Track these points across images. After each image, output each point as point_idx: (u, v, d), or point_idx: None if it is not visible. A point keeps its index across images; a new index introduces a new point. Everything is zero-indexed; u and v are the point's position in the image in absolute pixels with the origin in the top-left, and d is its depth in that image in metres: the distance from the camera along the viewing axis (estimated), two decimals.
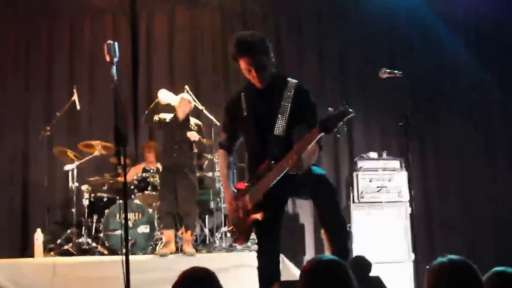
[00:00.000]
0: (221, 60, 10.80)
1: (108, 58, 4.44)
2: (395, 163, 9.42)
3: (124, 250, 4.30)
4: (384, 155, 9.53)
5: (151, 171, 9.26)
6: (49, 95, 10.26)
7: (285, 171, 4.54)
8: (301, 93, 4.85)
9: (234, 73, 10.53)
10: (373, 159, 9.45)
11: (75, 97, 9.29)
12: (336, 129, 4.28)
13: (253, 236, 5.06)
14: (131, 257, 7.82)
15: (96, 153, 9.17)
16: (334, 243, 4.69)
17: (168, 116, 8.61)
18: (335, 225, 4.70)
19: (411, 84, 10.09)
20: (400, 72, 5.81)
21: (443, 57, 11.15)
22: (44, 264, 7.98)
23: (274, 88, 4.84)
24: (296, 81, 4.93)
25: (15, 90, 10.34)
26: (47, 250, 8.78)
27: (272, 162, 4.69)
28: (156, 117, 8.51)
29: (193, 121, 8.67)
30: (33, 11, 10.54)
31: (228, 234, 9.06)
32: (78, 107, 9.33)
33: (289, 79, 4.94)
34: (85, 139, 9.51)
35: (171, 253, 8.36)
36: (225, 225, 9.24)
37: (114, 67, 4.45)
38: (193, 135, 8.43)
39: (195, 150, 8.82)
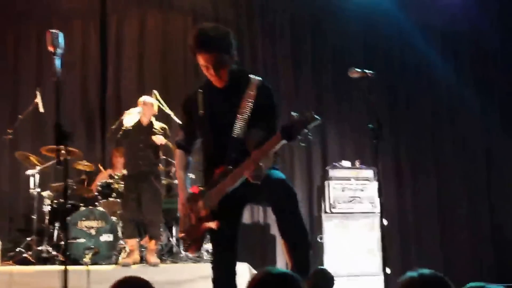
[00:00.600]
0: (192, 65, 10.39)
1: (51, 49, 4.06)
2: (369, 173, 9.11)
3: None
4: (357, 164, 9.21)
5: (116, 177, 8.86)
6: (15, 99, 9.85)
7: (241, 180, 4.21)
8: (264, 92, 4.46)
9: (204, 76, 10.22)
10: (345, 167, 9.11)
11: (38, 99, 8.89)
12: (299, 137, 3.90)
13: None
14: (93, 267, 7.66)
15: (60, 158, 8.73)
16: (293, 256, 4.27)
17: (131, 122, 8.18)
18: (295, 235, 4.27)
19: (388, 90, 9.84)
20: (370, 72, 5.46)
21: (420, 63, 10.92)
22: (0, 273, 7.55)
23: (235, 86, 4.46)
24: (259, 78, 4.54)
25: None
26: (6, 258, 8.37)
27: (230, 167, 4.33)
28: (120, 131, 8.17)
29: (158, 125, 8.31)
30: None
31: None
32: (41, 110, 8.95)
33: (251, 76, 4.54)
34: (49, 144, 9.07)
35: (134, 263, 7.96)
36: None
37: (58, 59, 4.07)
38: (158, 139, 8.07)
39: (162, 156, 8.50)
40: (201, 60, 4.34)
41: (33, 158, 8.78)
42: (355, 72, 5.51)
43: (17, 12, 10.23)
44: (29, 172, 8.75)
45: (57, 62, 4.06)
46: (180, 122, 4.93)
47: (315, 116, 3.87)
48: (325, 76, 10.57)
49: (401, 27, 10.79)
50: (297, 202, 4.31)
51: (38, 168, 8.71)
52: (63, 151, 4.07)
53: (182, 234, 4.66)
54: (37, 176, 8.74)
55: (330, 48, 10.66)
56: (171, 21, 10.64)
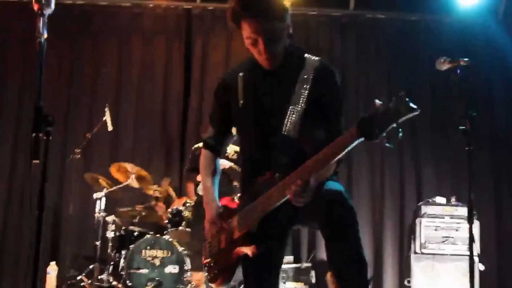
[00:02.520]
0: None
1: (35, 7, 3.27)
2: (465, 210, 8.00)
3: None
4: (453, 200, 8.12)
5: (188, 204, 8.04)
6: (91, 118, 9.21)
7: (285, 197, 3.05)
8: (325, 77, 3.38)
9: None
10: (439, 204, 8.01)
11: (107, 117, 8.26)
12: (384, 134, 2.67)
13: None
14: None
15: (129, 181, 8.06)
16: None
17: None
18: (348, 266, 3.08)
19: None
20: (464, 59, 4.34)
21: None
22: None
23: (288, 68, 3.37)
24: (318, 58, 3.44)
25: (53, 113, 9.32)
26: (65, 286, 7.74)
27: (277, 175, 3.19)
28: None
29: (232, 148, 7.52)
30: (78, 32, 9.65)
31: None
32: (110, 128, 8.33)
33: (307, 55, 3.44)
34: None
35: None
36: None
37: (42, 20, 3.28)
38: (222, 163, 7.31)
39: (235, 183, 7.71)
40: (248, 31, 3.25)
41: (102, 181, 8.10)
42: (445, 63, 4.41)
43: (97, 30, 9.66)
44: (96, 195, 8.06)
45: (41, 23, 3.27)
46: (210, 115, 3.75)
47: (411, 105, 2.61)
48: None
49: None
50: (355, 222, 3.15)
51: (105, 190, 8.04)
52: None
53: (207, 261, 3.59)
54: (104, 200, 8.07)
55: (424, 69, 9.52)
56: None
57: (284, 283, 7.95)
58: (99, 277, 7.65)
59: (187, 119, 9.42)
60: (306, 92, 3.30)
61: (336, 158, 2.94)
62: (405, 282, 7.97)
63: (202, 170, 3.76)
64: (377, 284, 8.88)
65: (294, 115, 3.27)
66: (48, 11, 3.37)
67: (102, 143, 9.13)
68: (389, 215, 9.14)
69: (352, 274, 3.10)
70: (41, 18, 3.36)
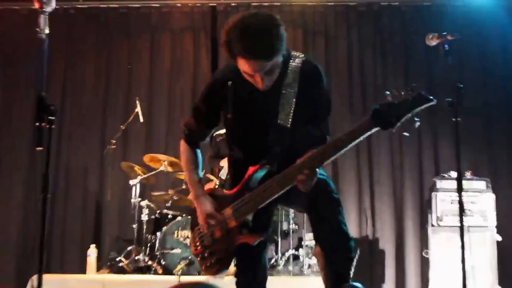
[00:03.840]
0: None
1: (37, 5, 3.22)
2: (481, 184, 7.72)
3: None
4: (468, 175, 7.88)
5: (216, 187, 7.98)
6: (126, 111, 9.18)
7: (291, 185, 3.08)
8: (310, 72, 3.27)
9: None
10: (454, 178, 7.81)
11: (138, 109, 8.24)
12: (400, 124, 2.72)
13: None
14: (184, 277, 6.86)
15: (162, 168, 8.04)
16: (329, 265, 3.19)
17: (223, 131, 7.42)
18: (333, 239, 3.16)
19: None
20: (452, 34, 4.16)
21: None
22: (94, 281, 6.91)
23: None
24: (302, 55, 3.30)
25: (92, 107, 9.42)
26: (106, 267, 7.73)
27: (270, 164, 3.22)
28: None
29: None
30: (115, 32, 9.68)
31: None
32: (141, 120, 8.32)
33: (293, 53, 3.29)
34: (151, 153, 8.38)
35: (227, 275, 7.09)
36: (292, 248, 7.90)
37: (43, 16, 3.23)
38: None
39: None
40: (245, 67, 3.06)
41: (137, 169, 8.09)
42: (434, 38, 4.24)
43: (131, 28, 9.66)
44: (131, 182, 8.06)
45: (42, 19, 3.21)
46: (195, 111, 3.57)
47: (427, 96, 2.67)
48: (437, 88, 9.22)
49: None
50: (340, 210, 3.24)
51: (139, 177, 8.03)
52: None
53: (200, 251, 3.51)
54: (138, 186, 8.06)
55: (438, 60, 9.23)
56: None
57: (310, 258, 7.84)
58: (136, 257, 7.65)
59: None
60: (294, 90, 3.22)
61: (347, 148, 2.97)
62: (423, 254, 7.82)
63: (186, 165, 3.60)
64: (400, 256, 8.74)
65: (286, 107, 3.21)
66: (48, 9, 3.33)
67: (136, 134, 9.12)
68: (409, 190, 8.97)
69: (339, 246, 3.17)
70: (42, 15, 3.32)
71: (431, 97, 2.65)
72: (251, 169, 3.26)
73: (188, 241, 7.36)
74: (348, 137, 2.96)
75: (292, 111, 3.21)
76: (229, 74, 3.32)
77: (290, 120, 3.21)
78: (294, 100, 3.22)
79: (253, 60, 3.01)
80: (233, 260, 3.46)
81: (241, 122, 3.37)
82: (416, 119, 2.71)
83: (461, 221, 4.01)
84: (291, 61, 3.25)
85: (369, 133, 2.86)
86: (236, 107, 3.32)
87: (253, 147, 3.35)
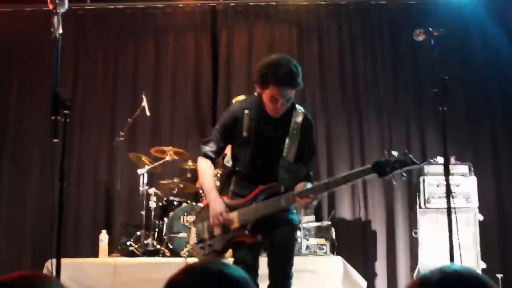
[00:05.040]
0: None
1: (51, 6, 3.25)
2: (464, 168, 7.79)
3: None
4: (453, 160, 7.92)
5: (218, 175, 8.00)
6: (133, 106, 9.19)
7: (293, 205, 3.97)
8: (307, 125, 4.11)
9: (309, 86, 9.20)
10: (440, 164, 7.84)
11: (144, 103, 8.27)
12: (392, 175, 3.57)
13: None
14: (191, 259, 6.90)
15: (168, 158, 8.07)
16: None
17: None
18: (278, 276, 4.09)
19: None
20: (437, 30, 4.21)
21: None
22: (106, 264, 6.96)
23: (283, 117, 4.01)
24: (303, 110, 4.12)
25: (102, 101, 9.44)
26: (117, 251, 7.78)
27: (279, 187, 3.96)
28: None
29: None
30: (120, 31, 9.70)
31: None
32: (147, 113, 8.35)
33: (296, 105, 4.10)
34: (157, 144, 8.46)
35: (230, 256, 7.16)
36: None
37: (57, 17, 3.25)
38: None
39: None
40: (274, 93, 3.83)
41: (144, 159, 8.12)
42: (421, 34, 4.30)
43: (137, 28, 9.66)
44: (139, 171, 8.09)
45: (55, 20, 3.25)
46: (216, 133, 4.18)
47: (415, 160, 3.56)
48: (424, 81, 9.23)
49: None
50: (293, 253, 4.13)
51: (147, 167, 8.06)
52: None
53: (204, 240, 4.16)
54: (146, 175, 8.09)
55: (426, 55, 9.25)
56: (277, 33, 9.66)
57: (308, 239, 7.89)
58: (145, 241, 7.71)
59: (216, 104, 9.36)
60: (298, 133, 4.01)
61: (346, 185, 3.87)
62: (413, 234, 7.89)
63: (205, 175, 4.14)
64: (391, 236, 8.78)
65: (291, 146, 3.99)
66: (61, 10, 3.34)
67: (143, 126, 9.14)
68: (398, 174, 8.97)
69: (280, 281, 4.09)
70: (56, 16, 3.34)
71: (418, 162, 3.60)
72: (261, 187, 3.96)
73: None
74: (351, 177, 3.77)
75: (295, 150, 3.99)
76: (245, 105, 4.07)
77: (293, 157, 3.99)
78: (297, 142, 4.00)
79: (284, 87, 3.79)
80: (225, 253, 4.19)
81: (253, 142, 4.03)
82: (404, 174, 3.56)
83: (448, 203, 4.07)
84: (297, 108, 4.06)
85: (366, 177, 3.73)
86: (252, 128, 4.01)
87: (255, 173, 4.06)
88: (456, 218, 7.24)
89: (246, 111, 4.00)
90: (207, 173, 4.13)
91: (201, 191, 7.57)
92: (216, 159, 4.18)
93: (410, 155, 3.54)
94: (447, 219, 4.46)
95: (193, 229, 4.26)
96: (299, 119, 4.01)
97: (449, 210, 4.07)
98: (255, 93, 4.06)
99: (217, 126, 4.18)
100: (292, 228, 4.11)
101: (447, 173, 4.21)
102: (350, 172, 3.85)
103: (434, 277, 1.47)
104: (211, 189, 4.10)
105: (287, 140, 3.98)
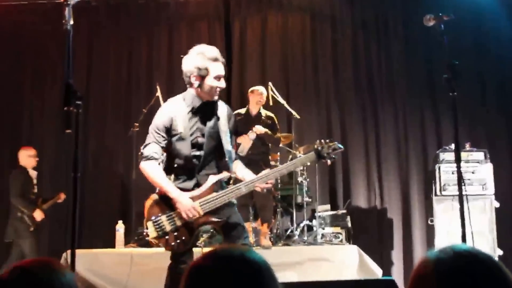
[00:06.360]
0: (310, 61, 9.50)
1: None
2: (479, 155, 7.74)
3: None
4: (468, 146, 7.89)
5: None
6: (148, 96, 9.21)
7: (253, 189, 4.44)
8: (232, 116, 4.64)
9: (323, 72, 9.30)
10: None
11: (158, 93, 8.29)
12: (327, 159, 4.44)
13: None
14: (207, 249, 6.94)
15: None
16: None
17: (241, 111, 7.50)
18: None
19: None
20: (447, 15, 4.17)
21: None
22: (122, 254, 7.00)
23: (211, 107, 4.49)
24: (223, 102, 4.64)
25: (117, 92, 9.52)
26: (133, 241, 7.81)
27: (231, 175, 4.49)
28: None
29: (264, 112, 7.49)
30: (134, 22, 9.72)
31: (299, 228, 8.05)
32: (162, 103, 8.35)
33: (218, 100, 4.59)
34: None
35: None
36: (306, 219, 7.97)
37: (68, 9, 3.26)
38: (258, 129, 7.26)
39: (269, 144, 7.67)
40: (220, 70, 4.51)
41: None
42: (431, 19, 4.26)
43: (150, 18, 9.69)
44: None
45: (67, 11, 3.26)
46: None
47: (339, 145, 4.45)
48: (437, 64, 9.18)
49: None
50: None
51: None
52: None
53: (162, 235, 4.38)
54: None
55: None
56: (290, 21, 9.65)
57: (323, 228, 7.90)
58: None
59: (230, 91, 9.36)
60: (227, 122, 4.49)
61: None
62: (428, 221, 7.86)
63: (158, 177, 4.35)
64: (407, 224, 8.79)
65: (228, 136, 4.45)
66: (72, 2, 3.35)
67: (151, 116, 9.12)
68: (414, 162, 9.01)
69: None
70: (67, 8, 3.34)
71: (342, 147, 4.51)
72: (213, 177, 4.32)
73: None
74: (299, 162, 4.94)
75: (230, 140, 4.48)
76: (176, 107, 4.52)
77: (231, 146, 4.46)
78: (229, 128, 4.50)
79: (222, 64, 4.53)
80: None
81: (193, 136, 4.35)
82: (334, 156, 4.46)
83: (460, 189, 4.03)
84: (219, 101, 4.56)
85: (308, 163, 5.19)
86: (185, 126, 4.36)
87: (196, 163, 4.37)
88: (468, 205, 7.32)
89: (184, 110, 4.51)
90: (160, 174, 4.38)
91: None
92: (159, 157, 4.47)
93: (336, 142, 4.45)
94: (467, 206, 4.40)
95: (150, 223, 4.37)
96: (225, 107, 4.59)
97: (460, 197, 4.01)
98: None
99: (155, 129, 4.51)
100: (235, 206, 4.55)
101: (458, 159, 4.15)
102: (297, 158, 5.05)
103: (448, 256, 1.48)
104: (171, 187, 4.31)
105: (223, 130, 4.45)
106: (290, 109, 7.86)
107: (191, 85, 4.50)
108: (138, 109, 8.89)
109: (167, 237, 4.35)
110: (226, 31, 9.70)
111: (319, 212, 7.94)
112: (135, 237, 7.88)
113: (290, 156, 8.20)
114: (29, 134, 9.36)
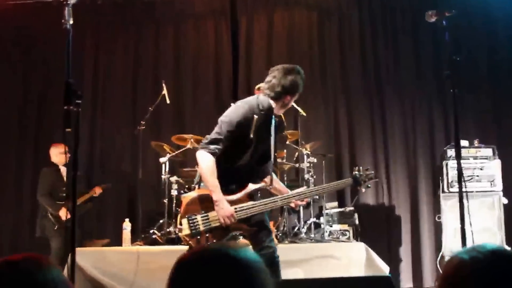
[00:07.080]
0: (317, 58, 9.46)
1: None
2: (487, 151, 7.70)
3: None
4: (476, 143, 7.84)
5: None
6: (155, 94, 9.20)
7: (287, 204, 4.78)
8: (279, 125, 4.87)
9: (331, 71, 9.29)
10: (463, 147, 7.72)
11: (164, 91, 8.28)
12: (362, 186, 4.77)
13: None
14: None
15: (189, 146, 8.08)
16: None
17: None
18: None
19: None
20: (449, 11, 4.15)
21: None
22: (129, 252, 6.98)
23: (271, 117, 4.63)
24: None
25: (123, 90, 9.51)
26: (140, 239, 7.80)
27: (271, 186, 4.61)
28: None
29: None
30: (139, 19, 9.70)
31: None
32: (168, 101, 8.36)
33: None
34: (179, 132, 8.47)
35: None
36: (314, 216, 7.95)
37: (67, 9, 3.26)
38: None
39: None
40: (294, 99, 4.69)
41: (166, 147, 8.15)
42: (433, 15, 4.24)
43: (157, 15, 9.68)
44: (161, 160, 8.10)
45: (66, 11, 3.25)
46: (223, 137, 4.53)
47: (373, 177, 4.84)
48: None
49: None
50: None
51: (168, 155, 8.08)
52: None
53: (199, 237, 4.42)
54: (168, 163, 8.11)
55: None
56: (297, 17, 9.62)
57: (331, 225, 7.87)
58: (168, 229, 7.73)
59: (237, 89, 9.32)
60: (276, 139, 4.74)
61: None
62: (436, 218, 7.82)
63: (212, 175, 4.39)
64: (415, 221, 8.75)
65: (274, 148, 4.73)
66: (72, 1, 3.34)
67: (164, 114, 9.18)
68: (421, 159, 8.96)
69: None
70: (66, 8, 3.34)
71: (376, 179, 5.02)
72: (252, 186, 4.48)
73: None
74: (334, 187, 5.12)
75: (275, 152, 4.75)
76: (252, 112, 4.50)
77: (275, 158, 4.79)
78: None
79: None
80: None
81: (255, 143, 4.49)
82: (369, 185, 4.84)
83: (460, 186, 4.03)
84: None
85: (345, 187, 5.28)
86: (256, 130, 4.46)
87: (251, 171, 4.54)
88: (476, 202, 7.30)
89: (255, 116, 4.48)
90: (211, 171, 4.39)
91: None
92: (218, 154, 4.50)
93: (372, 172, 4.84)
94: (467, 203, 4.41)
95: (185, 221, 4.41)
96: (275, 119, 4.71)
97: (460, 194, 4.01)
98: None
99: (226, 127, 4.51)
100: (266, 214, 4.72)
101: (458, 156, 4.16)
102: (334, 182, 5.21)
103: (486, 257, 1.47)
104: (217, 188, 4.38)
105: (272, 143, 4.66)
106: (296, 106, 7.83)
107: (276, 97, 4.62)
108: (145, 107, 8.89)
109: (199, 237, 4.42)
110: (233, 28, 9.65)
111: (326, 209, 7.92)
112: (141, 235, 7.89)
113: (297, 154, 8.19)
114: (35, 133, 9.36)
